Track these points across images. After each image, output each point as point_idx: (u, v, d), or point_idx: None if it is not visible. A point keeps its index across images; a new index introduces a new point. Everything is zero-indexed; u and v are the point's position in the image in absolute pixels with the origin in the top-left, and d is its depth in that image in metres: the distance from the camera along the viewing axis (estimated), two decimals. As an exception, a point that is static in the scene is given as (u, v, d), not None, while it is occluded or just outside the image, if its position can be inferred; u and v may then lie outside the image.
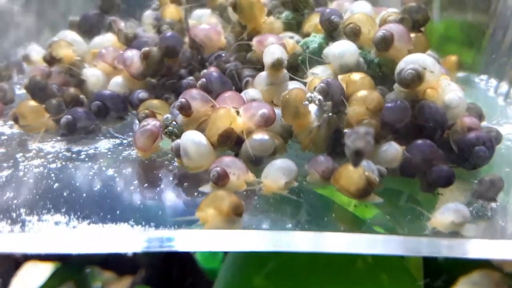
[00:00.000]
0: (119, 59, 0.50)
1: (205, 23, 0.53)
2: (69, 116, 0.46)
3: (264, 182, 0.38)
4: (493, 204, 0.39)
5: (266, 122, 0.40)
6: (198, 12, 0.57)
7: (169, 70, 0.50)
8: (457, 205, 0.36)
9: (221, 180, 0.38)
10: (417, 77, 0.41)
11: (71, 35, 0.55)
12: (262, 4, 0.50)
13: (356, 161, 0.36)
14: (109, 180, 0.41)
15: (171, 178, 0.41)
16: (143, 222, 0.36)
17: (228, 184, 0.38)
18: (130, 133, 0.48)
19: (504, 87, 0.59)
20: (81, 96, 0.49)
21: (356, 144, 0.35)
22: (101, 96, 0.48)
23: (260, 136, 0.40)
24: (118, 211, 0.38)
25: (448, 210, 0.36)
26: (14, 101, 0.52)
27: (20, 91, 0.54)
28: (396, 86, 0.43)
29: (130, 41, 0.53)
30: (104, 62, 0.51)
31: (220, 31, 0.51)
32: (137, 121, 0.46)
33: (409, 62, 0.42)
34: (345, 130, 0.40)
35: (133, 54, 0.49)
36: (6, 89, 0.52)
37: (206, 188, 0.39)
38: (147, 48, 0.48)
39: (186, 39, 0.51)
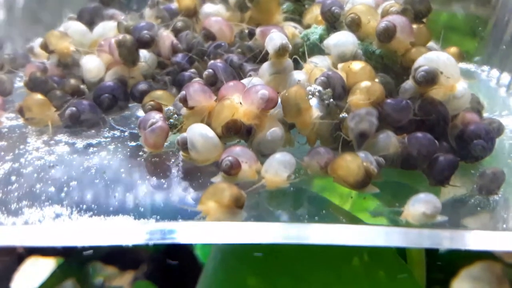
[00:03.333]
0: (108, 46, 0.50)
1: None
2: (73, 108, 0.46)
3: (266, 177, 0.38)
4: (495, 196, 0.39)
5: (268, 104, 0.40)
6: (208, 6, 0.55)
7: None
8: (428, 195, 0.36)
9: (233, 169, 0.37)
10: (431, 80, 0.40)
11: (75, 25, 0.54)
12: (279, 1, 0.49)
13: (360, 143, 0.36)
14: (111, 173, 0.41)
15: (175, 171, 0.41)
16: (145, 215, 0.36)
17: (240, 173, 0.38)
18: (132, 125, 0.47)
19: (506, 78, 0.59)
20: (82, 86, 0.49)
21: (360, 126, 0.35)
22: (107, 88, 0.48)
23: (271, 132, 0.39)
24: (120, 204, 0.38)
25: (418, 201, 0.36)
26: (12, 93, 0.52)
27: (20, 83, 0.54)
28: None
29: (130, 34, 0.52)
30: (104, 52, 0.51)
31: (232, 27, 0.51)
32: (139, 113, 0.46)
33: (426, 60, 0.41)
34: (342, 115, 0.40)
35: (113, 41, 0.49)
36: (5, 81, 0.51)
37: (217, 178, 0.39)
38: (120, 37, 0.48)
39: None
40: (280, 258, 0.44)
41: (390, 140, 0.39)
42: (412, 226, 0.36)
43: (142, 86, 0.49)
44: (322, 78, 0.40)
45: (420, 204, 0.35)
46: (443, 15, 0.66)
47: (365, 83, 0.40)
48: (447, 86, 0.41)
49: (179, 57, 0.50)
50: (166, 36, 0.51)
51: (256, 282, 0.44)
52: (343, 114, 0.39)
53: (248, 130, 0.41)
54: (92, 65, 0.50)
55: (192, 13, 0.54)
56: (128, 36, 0.48)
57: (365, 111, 0.37)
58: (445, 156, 0.39)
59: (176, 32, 0.52)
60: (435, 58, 0.41)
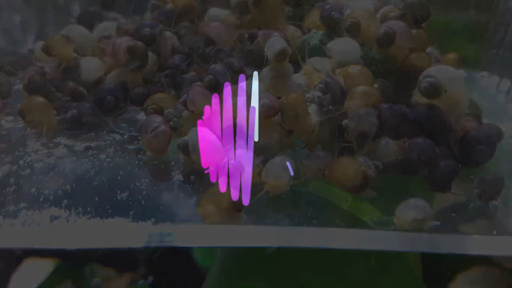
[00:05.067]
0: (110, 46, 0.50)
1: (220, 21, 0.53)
2: (75, 111, 0.46)
3: (268, 182, 0.37)
4: (495, 202, 0.39)
5: (267, 112, 0.39)
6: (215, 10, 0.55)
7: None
8: (417, 200, 0.36)
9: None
10: (431, 94, 0.40)
11: (77, 28, 0.54)
12: (283, 8, 0.49)
13: (361, 144, 0.36)
14: (110, 175, 0.41)
15: (175, 174, 0.41)
16: (144, 218, 0.36)
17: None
18: (131, 128, 0.47)
19: (505, 84, 0.59)
20: (80, 88, 0.49)
21: (360, 127, 0.35)
22: (108, 90, 0.48)
23: (267, 137, 0.39)
24: (118, 206, 0.38)
25: (408, 207, 0.36)
26: (10, 95, 0.51)
27: (21, 85, 0.54)
28: None
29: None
30: (107, 55, 0.51)
31: (232, 31, 0.51)
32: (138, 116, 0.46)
33: (435, 73, 0.41)
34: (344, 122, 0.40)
35: (121, 41, 0.49)
36: (3, 83, 0.51)
37: None
38: (131, 42, 0.48)
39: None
40: (284, 263, 0.44)
41: (390, 148, 0.39)
42: (410, 230, 0.36)
43: (140, 89, 0.49)
44: (321, 85, 0.40)
45: (410, 209, 0.36)
46: (443, 19, 0.67)
47: (361, 88, 0.40)
48: (448, 103, 0.41)
49: (176, 58, 0.50)
50: (169, 38, 0.51)
51: (260, 286, 0.44)
52: (346, 122, 0.39)
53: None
54: (90, 66, 0.50)
55: (188, 10, 0.54)
56: (139, 43, 0.49)
57: (364, 111, 0.37)
58: (446, 161, 0.39)
59: (179, 35, 0.52)
60: (444, 73, 0.41)
